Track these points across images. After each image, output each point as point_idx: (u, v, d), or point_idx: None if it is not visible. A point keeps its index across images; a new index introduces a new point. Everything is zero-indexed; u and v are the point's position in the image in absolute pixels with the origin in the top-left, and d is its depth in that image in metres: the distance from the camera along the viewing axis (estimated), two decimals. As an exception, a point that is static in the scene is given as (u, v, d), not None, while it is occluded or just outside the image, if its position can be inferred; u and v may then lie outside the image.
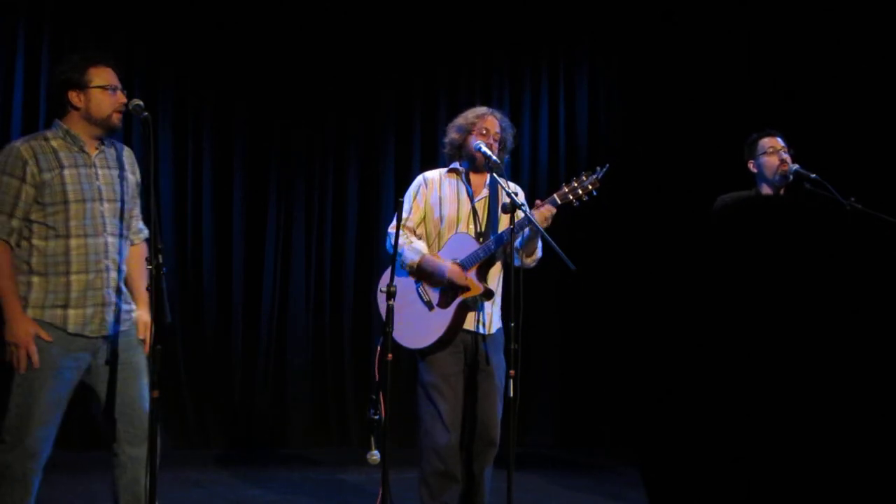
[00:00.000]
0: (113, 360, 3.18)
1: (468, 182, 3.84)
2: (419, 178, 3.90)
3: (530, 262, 3.81)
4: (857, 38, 5.84)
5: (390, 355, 3.32)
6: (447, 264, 3.67)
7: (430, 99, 6.86)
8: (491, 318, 3.77)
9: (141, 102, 3.10)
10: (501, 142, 3.85)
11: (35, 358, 3.00)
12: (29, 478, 3.05)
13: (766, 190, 4.12)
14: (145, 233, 3.44)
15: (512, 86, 7.04)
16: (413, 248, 3.73)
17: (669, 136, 6.63)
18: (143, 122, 3.04)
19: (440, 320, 3.66)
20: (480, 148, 3.70)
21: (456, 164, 3.88)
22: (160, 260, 2.89)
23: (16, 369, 3.01)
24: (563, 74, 7.09)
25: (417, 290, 3.73)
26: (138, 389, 3.19)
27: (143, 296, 3.25)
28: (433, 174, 3.90)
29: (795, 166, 4.08)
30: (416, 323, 3.68)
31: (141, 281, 3.31)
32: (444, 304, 3.68)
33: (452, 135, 3.88)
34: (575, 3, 6.97)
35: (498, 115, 3.88)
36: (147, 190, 3.35)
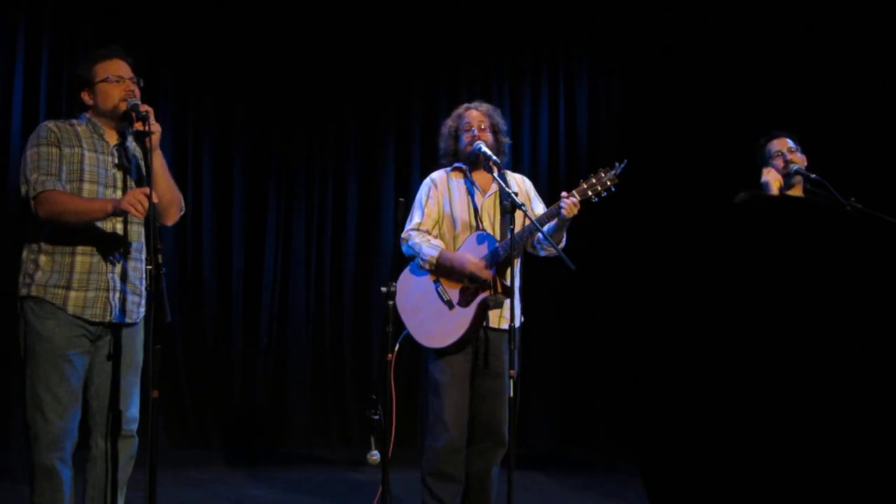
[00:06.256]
0: (115, 356, 3.16)
1: (473, 180, 3.83)
2: (427, 181, 3.88)
3: (552, 252, 3.73)
4: (858, 38, 5.84)
5: (390, 355, 3.32)
6: (467, 257, 3.64)
7: (430, 99, 6.87)
8: (511, 313, 3.66)
9: (138, 101, 3.13)
10: (492, 127, 3.82)
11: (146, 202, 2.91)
12: (58, 469, 3.02)
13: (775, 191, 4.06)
14: None
15: (512, 86, 7.05)
16: (431, 244, 3.72)
17: (670, 136, 6.63)
18: (141, 120, 3.07)
19: (461, 319, 3.62)
20: (481, 148, 3.69)
21: (460, 164, 3.86)
22: (160, 260, 2.89)
23: (139, 204, 2.91)
24: (563, 74, 7.09)
25: (437, 290, 3.70)
26: (124, 386, 3.17)
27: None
28: (439, 175, 3.88)
29: (796, 166, 4.05)
30: (437, 322, 3.66)
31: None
32: (464, 302, 3.65)
33: (443, 144, 3.89)
34: (575, 3, 6.97)
35: (475, 105, 3.88)
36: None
